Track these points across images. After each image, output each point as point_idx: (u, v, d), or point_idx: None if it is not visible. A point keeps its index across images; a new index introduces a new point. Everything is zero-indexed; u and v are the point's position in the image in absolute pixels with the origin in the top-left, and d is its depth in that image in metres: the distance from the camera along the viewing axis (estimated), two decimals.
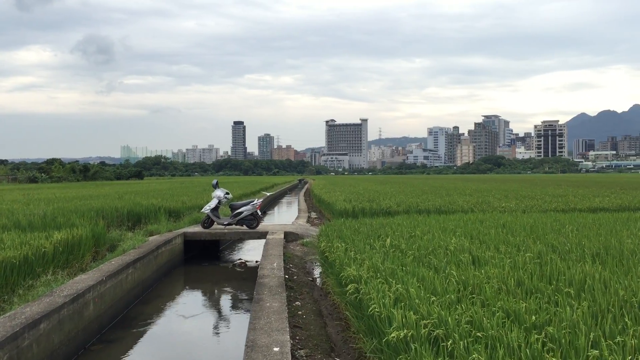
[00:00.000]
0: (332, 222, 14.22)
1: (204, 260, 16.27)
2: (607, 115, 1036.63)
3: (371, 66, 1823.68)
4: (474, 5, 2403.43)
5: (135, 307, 10.71)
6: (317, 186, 51.42)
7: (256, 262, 15.40)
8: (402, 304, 5.27)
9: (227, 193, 17.35)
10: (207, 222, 16.92)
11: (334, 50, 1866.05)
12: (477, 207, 18.89)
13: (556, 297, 5.33)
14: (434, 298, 5.40)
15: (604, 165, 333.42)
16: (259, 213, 17.11)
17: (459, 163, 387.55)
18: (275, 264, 10.40)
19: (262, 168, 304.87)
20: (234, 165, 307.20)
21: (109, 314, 9.38)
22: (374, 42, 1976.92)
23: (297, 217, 23.07)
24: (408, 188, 37.35)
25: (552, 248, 8.18)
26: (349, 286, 6.49)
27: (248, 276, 13.71)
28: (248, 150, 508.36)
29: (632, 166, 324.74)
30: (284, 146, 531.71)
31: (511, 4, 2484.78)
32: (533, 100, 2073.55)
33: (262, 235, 16.26)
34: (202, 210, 17.20)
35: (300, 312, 8.11)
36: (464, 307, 5.07)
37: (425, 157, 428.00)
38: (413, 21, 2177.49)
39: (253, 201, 17.13)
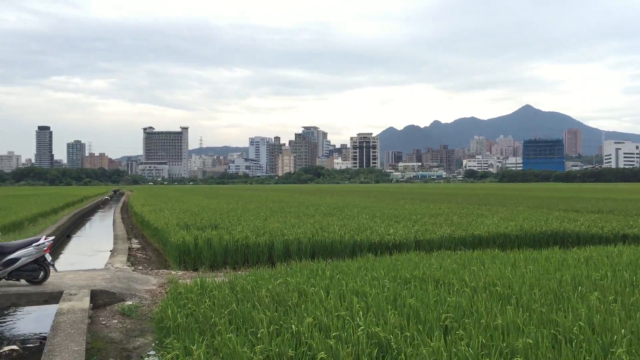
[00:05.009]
0: (183, 297, 8.34)
1: None
2: (411, 130, 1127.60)
3: (191, 73, 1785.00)
4: (293, 20, 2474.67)
5: None
6: (137, 200, 43.97)
7: (40, 342, 9.06)
8: None
9: None
10: None
11: (150, 55, 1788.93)
12: (360, 233, 14.47)
13: None
14: None
15: (412, 176, 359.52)
16: (49, 259, 10.56)
17: (280, 173, 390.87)
18: None
19: (72, 177, 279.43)
20: (39, 174, 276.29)
21: None
22: (193, 49, 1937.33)
23: (113, 252, 16.46)
24: (249, 204, 32.08)
25: None
26: None
27: None
28: (55, 158, 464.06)
29: (435, 176, 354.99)
30: (96, 154, 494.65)
31: (327, 21, 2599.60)
32: (347, 114, 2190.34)
33: (53, 297, 9.85)
34: None
35: None
36: None
37: (247, 167, 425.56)
38: (233, 30, 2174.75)
39: (38, 240, 10.53)
